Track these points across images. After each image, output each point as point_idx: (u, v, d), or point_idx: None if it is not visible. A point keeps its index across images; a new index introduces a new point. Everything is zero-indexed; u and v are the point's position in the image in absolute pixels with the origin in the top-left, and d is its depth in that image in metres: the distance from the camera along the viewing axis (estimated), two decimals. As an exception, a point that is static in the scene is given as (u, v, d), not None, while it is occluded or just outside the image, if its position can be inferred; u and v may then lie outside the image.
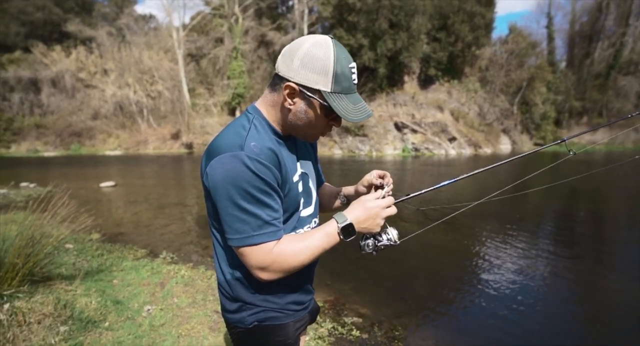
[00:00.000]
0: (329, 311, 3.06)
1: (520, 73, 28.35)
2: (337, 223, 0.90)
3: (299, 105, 0.89)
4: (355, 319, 2.93)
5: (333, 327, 2.77)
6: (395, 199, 1.00)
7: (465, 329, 2.92)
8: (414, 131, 24.96)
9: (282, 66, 0.88)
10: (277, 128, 0.95)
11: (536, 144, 28.90)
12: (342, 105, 0.86)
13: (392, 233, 0.97)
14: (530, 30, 33.20)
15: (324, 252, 0.91)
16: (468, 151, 25.07)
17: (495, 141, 27.00)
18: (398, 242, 0.96)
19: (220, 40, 32.56)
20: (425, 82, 28.27)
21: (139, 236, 5.45)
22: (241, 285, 0.98)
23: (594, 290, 3.70)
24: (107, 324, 2.53)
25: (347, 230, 0.90)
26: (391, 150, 24.56)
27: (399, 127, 25.31)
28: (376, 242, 0.97)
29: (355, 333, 2.71)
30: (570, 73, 30.67)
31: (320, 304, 3.15)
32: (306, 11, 29.54)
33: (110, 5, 36.64)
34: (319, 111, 0.89)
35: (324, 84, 0.85)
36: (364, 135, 24.74)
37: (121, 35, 32.71)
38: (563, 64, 32.03)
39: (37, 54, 29.83)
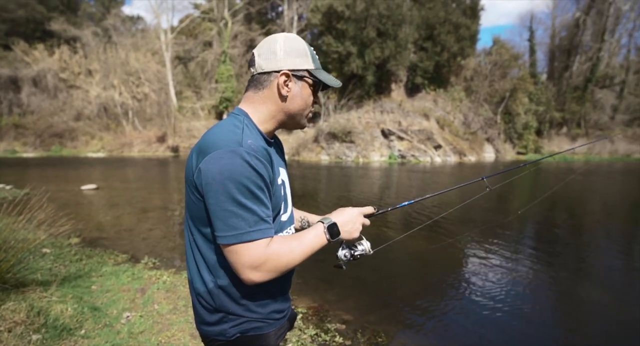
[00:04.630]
0: (312, 318, 3.04)
1: (504, 83, 29.18)
2: (324, 223, 0.95)
3: (293, 89, 0.97)
4: (338, 325, 2.93)
5: (316, 334, 2.75)
6: (375, 211, 1.09)
7: (448, 335, 2.95)
8: (401, 138, 25.28)
9: (266, 63, 0.96)
10: (263, 131, 0.98)
11: (519, 153, 29.68)
12: (325, 76, 1.01)
13: (366, 245, 1.04)
14: (513, 43, 34.46)
15: (313, 253, 0.93)
16: (453, 159, 25.53)
17: (479, 149, 27.60)
18: (371, 252, 1.04)
19: (209, 44, 32.39)
20: (412, 90, 28.76)
21: (121, 241, 5.32)
22: (225, 295, 0.94)
23: (572, 296, 3.80)
24: (83, 332, 2.45)
25: (333, 229, 0.95)
26: (378, 156, 24.78)
27: (385, 134, 25.60)
28: (352, 251, 1.03)
29: (339, 339, 2.70)
30: (550, 85, 31.76)
31: (303, 310, 3.14)
32: (295, 18, 29.77)
33: (97, 5, 36.09)
34: (309, 89, 1.00)
35: (308, 64, 0.98)
36: (351, 142, 24.90)
37: (107, 36, 32.18)
38: (544, 76, 33.17)
39: (18, 52, 29.04)
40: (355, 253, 1.03)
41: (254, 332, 0.98)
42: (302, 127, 1.06)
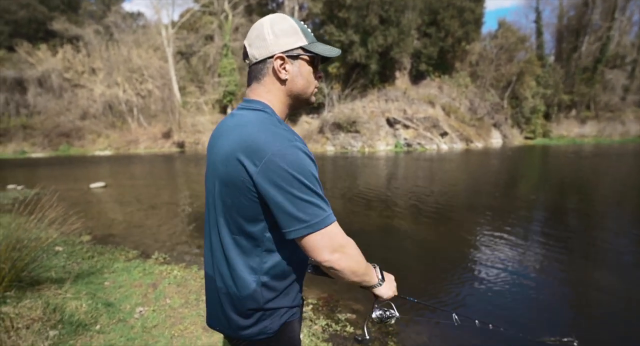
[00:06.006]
0: (322, 308, 3.06)
1: (510, 67, 28.56)
2: (377, 265, 1.07)
3: (292, 70, 0.96)
4: (348, 315, 2.94)
5: (327, 324, 2.77)
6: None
7: (459, 322, 2.94)
8: (406, 126, 25.03)
9: (258, 51, 0.95)
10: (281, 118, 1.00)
11: (526, 138, 29.22)
12: (321, 48, 0.98)
13: (395, 311, 1.11)
14: (519, 25, 33.60)
15: (362, 278, 0.97)
16: (460, 146, 25.26)
17: (486, 135, 27.22)
18: (399, 315, 1.11)
19: (210, 38, 32.19)
20: (417, 77, 28.33)
21: (131, 237, 5.39)
22: (269, 291, 0.95)
23: (582, 280, 3.76)
24: (98, 327, 2.50)
25: (382, 275, 1.06)
26: (383, 145, 24.61)
27: (390, 123, 25.36)
28: (386, 313, 1.10)
29: (349, 329, 2.72)
30: (558, 67, 30.99)
31: (313, 301, 3.17)
32: (296, 7, 29.36)
33: (97, 3, 35.98)
34: (307, 65, 0.98)
35: (301, 40, 0.95)
36: (356, 131, 24.73)
37: (109, 34, 32.15)
38: (552, 58, 32.32)
39: (22, 53, 29.19)
40: (387, 313, 1.09)
41: (289, 319, 1.00)
42: (310, 104, 1.07)
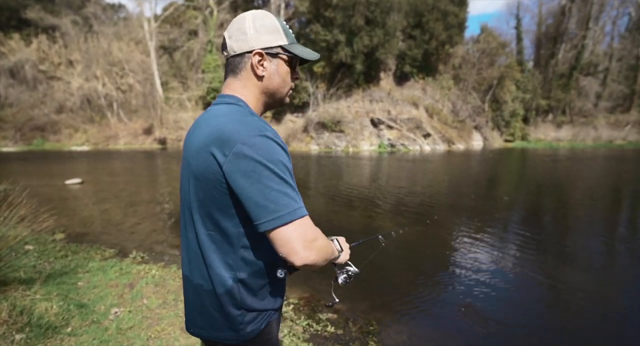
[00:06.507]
0: (303, 308, 3.05)
1: (491, 71, 29.31)
2: (334, 238, 1.09)
3: (269, 67, 0.95)
4: (330, 315, 2.94)
5: (308, 324, 2.76)
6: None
7: (438, 322, 2.99)
8: (390, 127, 25.30)
9: (237, 44, 0.93)
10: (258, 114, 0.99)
11: (506, 141, 30.07)
12: (300, 50, 0.97)
13: (352, 267, 1.18)
14: (501, 31, 34.56)
15: (330, 256, 0.96)
16: (442, 147, 25.74)
17: (467, 137, 27.85)
18: (358, 270, 1.18)
19: (194, 33, 31.58)
20: (401, 78, 28.66)
21: (108, 235, 5.22)
22: (246, 288, 0.91)
23: (555, 280, 3.89)
24: (69, 329, 2.40)
25: (339, 246, 1.08)
26: (367, 146, 24.80)
27: (375, 123, 25.58)
28: (348, 273, 1.17)
29: (330, 329, 2.72)
30: (537, 72, 32.05)
31: (295, 301, 3.15)
32: (282, 5, 29.15)
33: (75, -8, 34.60)
34: (285, 65, 0.97)
35: (281, 39, 0.94)
36: (341, 131, 24.81)
37: (88, 25, 31.05)
38: (531, 64, 33.40)
39: (-7, 42, 27.83)
40: (349, 273, 1.16)
41: (267, 320, 0.97)
42: (284, 104, 1.05)
